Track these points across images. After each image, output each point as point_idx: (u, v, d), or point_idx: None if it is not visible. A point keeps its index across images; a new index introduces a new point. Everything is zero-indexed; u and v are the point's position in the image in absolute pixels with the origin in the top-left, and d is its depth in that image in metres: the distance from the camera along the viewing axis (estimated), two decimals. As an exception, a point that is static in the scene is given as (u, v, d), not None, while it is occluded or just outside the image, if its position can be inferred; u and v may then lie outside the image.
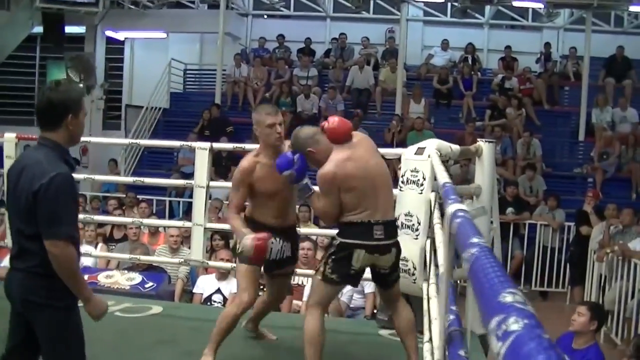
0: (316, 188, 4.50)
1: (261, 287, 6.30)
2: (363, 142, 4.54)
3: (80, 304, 3.39)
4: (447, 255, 2.79)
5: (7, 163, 6.57)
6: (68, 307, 3.38)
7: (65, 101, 3.35)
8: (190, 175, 8.10)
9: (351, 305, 7.19)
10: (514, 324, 1.10)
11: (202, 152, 6.20)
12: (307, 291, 6.96)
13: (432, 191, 4.77)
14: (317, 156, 4.42)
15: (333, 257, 4.38)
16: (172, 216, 12.20)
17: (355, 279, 4.56)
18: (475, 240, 1.77)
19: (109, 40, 18.15)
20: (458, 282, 6.40)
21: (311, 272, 6.72)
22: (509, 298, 1.22)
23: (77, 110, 3.40)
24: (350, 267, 4.34)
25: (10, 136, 6.65)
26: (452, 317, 2.97)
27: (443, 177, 3.53)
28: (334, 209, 4.39)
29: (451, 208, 2.54)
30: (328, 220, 4.65)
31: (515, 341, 1.06)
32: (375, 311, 6.42)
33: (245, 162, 4.84)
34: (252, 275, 4.76)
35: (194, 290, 7.60)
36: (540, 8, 16.76)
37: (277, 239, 4.79)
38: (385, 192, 4.45)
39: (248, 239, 4.53)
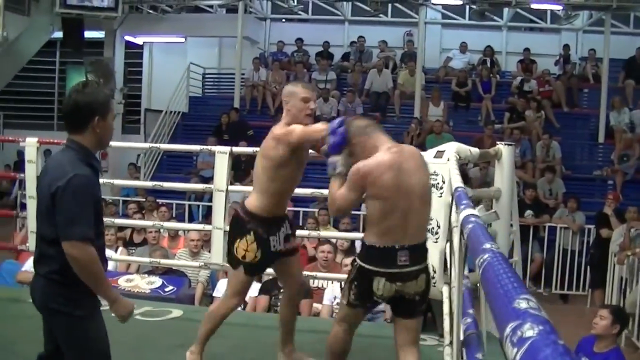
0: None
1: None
2: (415, 156, 4.06)
3: (105, 307, 3.38)
4: (460, 260, 2.79)
5: (29, 167, 6.62)
6: (85, 317, 3.34)
7: (91, 103, 3.32)
8: (209, 179, 8.13)
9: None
10: (529, 330, 1.10)
11: (222, 155, 6.21)
12: (327, 294, 6.96)
13: (452, 194, 4.77)
14: (359, 149, 4.06)
15: (355, 283, 4.03)
16: (191, 220, 12.22)
17: (378, 303, 4.23)
18: (487, 246, 1.77)
19: (128, 44, 18.27)
20: (478, 284, 6.40)
21: (331, 275, 6.75)
22: (523, 304, 1.22)
23: (105, 112, 3.36)
24: (372, 294, 3.96)
25: (31, 141, 6.69)
26: (469, 320, 2.97)
27: (456, 181, 3.54)
28: (346, 204, 4.08)
29: (463, 213, 2.55)
30: (333, 209, 4.32)
31: (531, 347, 1.06)
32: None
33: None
34: (247, 285, 4.71)
35: (214, 294, 7.61)
36: (558, 10, 16.70)
37: (284, 226, 4.66)
38: (420, 214, 3.98)
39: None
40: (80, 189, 3.23)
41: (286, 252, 4.69)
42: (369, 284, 3.93)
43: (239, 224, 4.59)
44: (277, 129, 4.45)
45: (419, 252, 3.97)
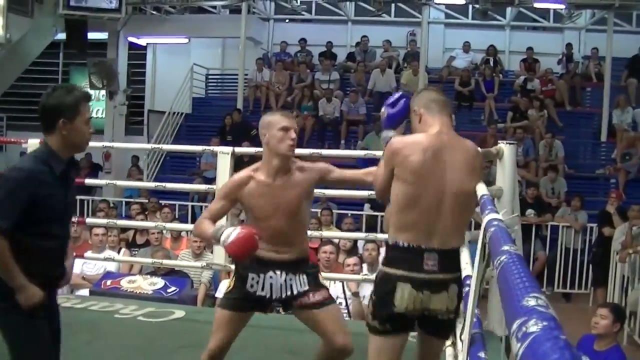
0: None
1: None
2: (467, 153, 3.57)
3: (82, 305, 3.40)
4: (480, 263, 2.81)
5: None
6: (8, 309, 3.39)
7: (57, 106, 3.44)
8: (212, 180, 8.14)
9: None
10: (534, 326, 1.13)
11: (224, 156, 6.23)
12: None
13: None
14: (415, 123, 3.68)
15: (373, 297, 3.50)
16: (194, 221, 12.21)
17: (403, 324, 3.48)
18: (505, 247, 1.80)
19: (132, 45, 18.27)
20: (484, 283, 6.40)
21: (333, 275, 6.76)
22: (531, 302, 1.25)
23: (72, 115, 3.45)
24: (392, 306, 3.38)
25: (34, 142, 6.69)
26: (474, 320, 2.97)
27: (481, 189, 3.50)
28: (380, 184, 3.62)
29: (487, 217, 2.58)
30: (376, 192, 3.79)
31: (533, 342, 1.08)
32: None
33: (237, 175, 4.24)
34: (222, 322, 4.11)
35: (216, 295, 7.62)
36: (561, 9, 16.70)
37: (277, 272, 4.02)
38: (455, 216, 3.45)
39: (229, 229, 3.79)
40: (11, 181, 3.34)
41: (301, 305, 4.06)
42: (391, 293, 3.39)
43: None
44: (236, 175, 4.26)
45: (451, 258, 3.46)
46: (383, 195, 3.68)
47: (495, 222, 2.40)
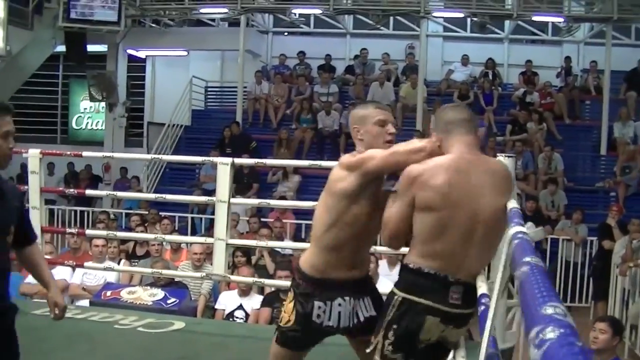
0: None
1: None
2: (496, 173, 3.24)
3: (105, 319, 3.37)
4: (504, 276, 2.81)
5: (32, 178, 6.64)
6: None
7: None
8: (212, 192, 8.14)
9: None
10: (550, 333, 1.14)
11: (224, 167, 6.21)
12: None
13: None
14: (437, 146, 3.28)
15: (395, 326, 3.13)
16: (194, 233, 12.24)
17: (428, 356, 3.21)
18: (528, 259, 1.81)
19: (131, 58, 18.31)
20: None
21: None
22: (549, 310, 1.26)
23: None
24: (418, 341, 3.13)
25: (34, 152, 6.71)
26: (490, 339, 2.94)
27: (512, 204, 3.37)
28: (395, 223, 3.19)
29: (512, 230, 2.60)
30: (390, 235, 3.28)
31: (549, 348, 1.09)
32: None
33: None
34: (280, 358, 3.55)
35: (216, 307, 7.62)
36: (560, 22, 16.75)
37: (347, 298, 3.44)
38: (485, 247, 3.17)
39: None
40: None
41: (359, 332, 3.51)
42: (419, 325, 3.11)
43: (291, 283, 3.67)
44: (347, 157, 3.46)
45: (473, 291, 3.13)
46: (399, 235, 3.26)
47: (520, 235, 2.42)
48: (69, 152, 9.53)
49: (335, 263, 3.41)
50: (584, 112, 16.30)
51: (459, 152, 3.18)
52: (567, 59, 16.84)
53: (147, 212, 11.60)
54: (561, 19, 16.19)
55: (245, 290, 7.47)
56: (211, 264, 6.97)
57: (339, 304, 3.42)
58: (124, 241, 9.60)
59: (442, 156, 3.19)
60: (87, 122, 19.79)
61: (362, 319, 3.48)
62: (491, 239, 3.19)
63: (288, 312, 3.49)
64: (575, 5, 16.31)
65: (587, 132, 15.89)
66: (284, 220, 11.49)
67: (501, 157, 5.47)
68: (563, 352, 1.06)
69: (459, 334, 3.23)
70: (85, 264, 7.28)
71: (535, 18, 16.06)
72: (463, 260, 3.10)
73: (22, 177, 7.94)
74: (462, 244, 3.08)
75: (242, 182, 13.28)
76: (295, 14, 17.29)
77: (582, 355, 1.05)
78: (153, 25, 18.03)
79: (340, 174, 3.40)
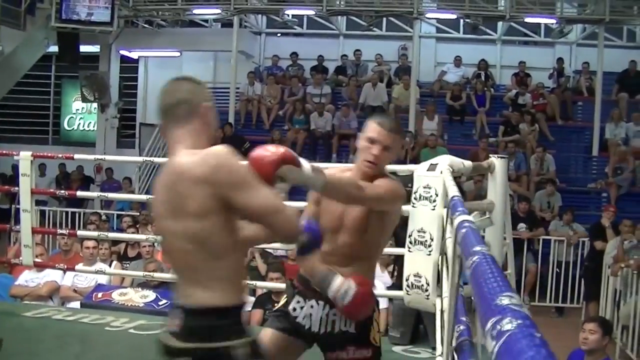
0: None
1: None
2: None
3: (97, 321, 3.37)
4: (454, 265, 2.80)
5: (23, 181, 6.63)
6: None
7: None
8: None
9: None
10: (508, 324, 1.12)
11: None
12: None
13: (445, 207, 4.77)
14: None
15: None
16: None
17: None
18: (477, 248, 1.79)
19: (123, 59, 18.29)
20: (472, 298, 6.40)
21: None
22: (505, 300, 1.24)
23: None
24: None
25: (26, 154, 6.69)
26: (462, 327, 2.96)
27: (452, 191, 3.51)
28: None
29: (458, 219, 2.56)
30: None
31: (508, 340, 1.08)
32: (388, 327, 6.41)
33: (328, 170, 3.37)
34: (264, 339, 3.29)
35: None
36: (552, 24, 16.78)
37: (320, 303, 3.41)
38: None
39: (339, 280, 3.28)
40: None
41: (329, 346, 3.43)
42: None
43: None
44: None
45: None
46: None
47: (467, 224, 2.39)
48: (60, 155, 9.53)
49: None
50: (576, 113, 16.32)
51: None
52: (560, 60, 16.86)
53: (138, 214, 11.58)
54: (554, 21, 16.22)
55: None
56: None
57: (311, 306, 3.42)
58: (115, 243, 9.58)
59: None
60: (79, 123, 19.74)
61: (336, 330, 3.41)
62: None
63: (283, 298, 3.59)
64: (568, 6, 16.35)
65: (579, 133, 15.93)
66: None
67: (493, 158, 5.49)
68: (524, 344, 1.04)
69: None
70: (77, 267, 7.27)
71: (528, 19, 16.09)
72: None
73: (13, 178, 7.91)
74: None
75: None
76: (288, 14, 17.28)
77: (543, 347, 1.04)
78: (146, 26, 18.01)
79: None
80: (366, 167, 3.40)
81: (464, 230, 2.28)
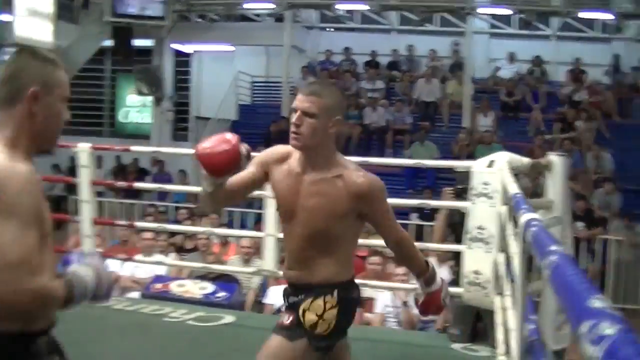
0: None
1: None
2: None
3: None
4: (522, 264, 2.78)
5: (83, 172, 6.71)
6: None
7: None
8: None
9: (422, 318, 7.13)
10: (608, 329, 1.11)
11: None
12: (378, 303, 6.93)
13: (504, 204, 4.74)
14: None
15: None
16: (242, 227, 12.26)
17: None
18: (554, 247, 1.77)
19: (177, 53, 18.44)
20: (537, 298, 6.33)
21: (382, 284, 6.73)
22: (597, 303, 1.23)
23: None
24: None
25: (84, 146, 6.76)
26: (531, 326, 2.94)
27: (513, 189, 3.51)
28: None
29: (524, 217, 2.54)
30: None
31: (612, 345, 1.07)
32: (446, 325, 6.38)
33: (281, 146, 3.21)
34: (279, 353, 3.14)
35: (264, 301, 7.62)
36: (609, 19, 16.54)
37: (285, 301, 3.24)
38: None
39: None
40: None
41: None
42: None
43: None
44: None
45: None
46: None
47: (535, 222, 2.37)
48: (117, 147, 9.62)
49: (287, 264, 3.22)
50: (634, 111, 16.05)
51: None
52: (616, 56, 16.62)
53: (195, 206, 11.66)
54: (611, 16, 15.98)
55: (294, 286, 7.46)
56: (259, 259, 6.99)
57: (286, 304, 3.23)
58: (171, 235, 9.67)
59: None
60: (134, 116, 19.98)
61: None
62: None
63: None
64: (624, 1, 16.09)
65: (638, 131, 15.66)
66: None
67: (552, 156, 5.44)
68: (630, 351, 1.04)
69: None
70: (136, 257, 7.36)
71: (582, 14, 15.88)
72: None
73: (73, 170, 8.01)
74: None
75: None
76: (340, 9, 17.28)
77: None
78: (199, 20, 18.13)
79: None
80: (291, 141, 2.99)
81: (534, 229, 2.26)
